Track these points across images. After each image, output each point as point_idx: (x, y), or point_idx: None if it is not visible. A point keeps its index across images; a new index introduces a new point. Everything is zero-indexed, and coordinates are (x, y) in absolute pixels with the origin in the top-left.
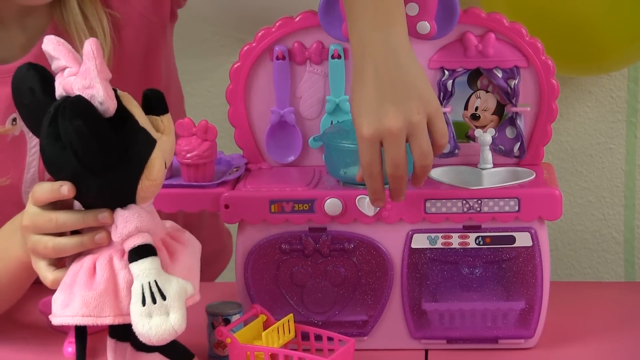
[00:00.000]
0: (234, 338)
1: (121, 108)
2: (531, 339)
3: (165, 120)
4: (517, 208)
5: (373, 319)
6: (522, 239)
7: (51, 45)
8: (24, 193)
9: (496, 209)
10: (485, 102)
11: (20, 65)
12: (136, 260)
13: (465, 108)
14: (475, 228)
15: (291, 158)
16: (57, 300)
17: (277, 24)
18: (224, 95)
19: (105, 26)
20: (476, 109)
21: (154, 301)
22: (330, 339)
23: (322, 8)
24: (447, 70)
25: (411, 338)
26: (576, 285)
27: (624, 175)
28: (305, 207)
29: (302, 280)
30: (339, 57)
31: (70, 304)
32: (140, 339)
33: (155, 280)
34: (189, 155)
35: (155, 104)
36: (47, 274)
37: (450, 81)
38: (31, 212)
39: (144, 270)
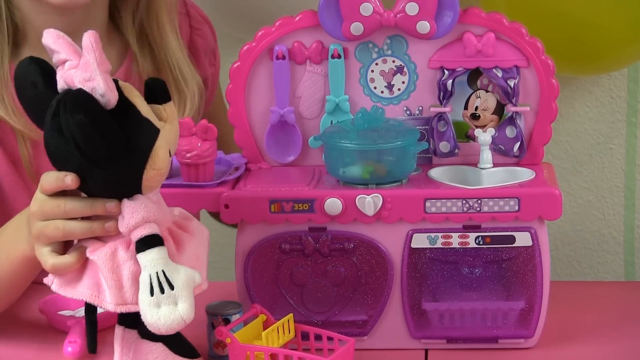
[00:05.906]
0: (234, 338)
1: (123, 99)
2: (531, 339)
3: (168, 108)
4: (517, 208)
5: (373, 319)
6: (522, 239)
7: (51, 38)
8: None
9: (496, 208)
10: (485, 101)
11: (22, 60)
12: (143, 250)
13: (465, 108)
14: (475, 228)
15: (291, 158)
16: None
17: (277, 23)
18: (224, 95)
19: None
20: (476, 108)
21: (162, 291)
22: (330, 338)
23: (322, 8)
24: (447, 69)
25: (411, 338)
26: (576, 285)
27: (624, 175)
28: (305, 207)
29: (302, 280)
30: (339, 56)
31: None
32: (149, 329)
33: (163, 270)
34: (189, 155)
35: (157, 93)
36: (47, 258)
37: (450, 81)
38: (39, 199)
39: (151, 260)
